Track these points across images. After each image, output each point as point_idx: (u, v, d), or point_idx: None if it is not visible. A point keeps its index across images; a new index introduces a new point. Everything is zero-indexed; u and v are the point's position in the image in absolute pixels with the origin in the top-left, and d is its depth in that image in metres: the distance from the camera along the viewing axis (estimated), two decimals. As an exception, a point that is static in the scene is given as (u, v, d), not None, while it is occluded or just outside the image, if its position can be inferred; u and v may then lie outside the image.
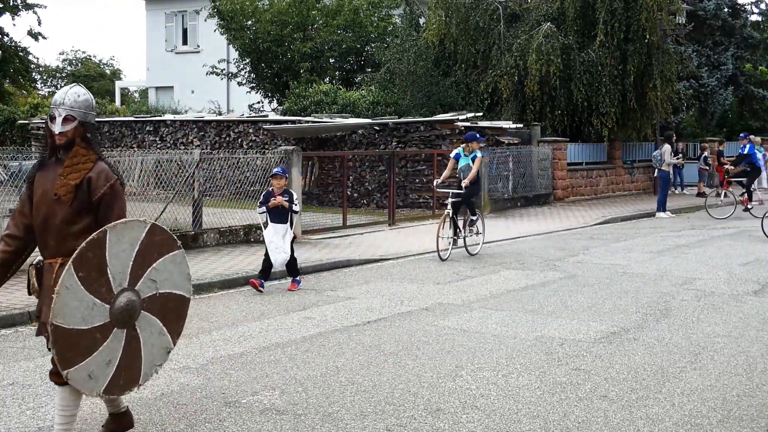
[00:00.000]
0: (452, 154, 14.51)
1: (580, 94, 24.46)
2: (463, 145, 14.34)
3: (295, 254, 11.44)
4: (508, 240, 16.65)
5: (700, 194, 26.30)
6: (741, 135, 22.28)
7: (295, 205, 11.22)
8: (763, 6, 39.52)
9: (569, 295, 10.80)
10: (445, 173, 14.61)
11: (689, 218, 21.19)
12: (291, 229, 11.20)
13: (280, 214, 11.04)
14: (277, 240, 11.02)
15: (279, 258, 11.04)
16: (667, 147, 21.92)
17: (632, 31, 24.81)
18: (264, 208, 11.12)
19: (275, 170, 11.38)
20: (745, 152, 21.55)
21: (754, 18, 39.05)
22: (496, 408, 6.30)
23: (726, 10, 35.16)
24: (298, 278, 11.40)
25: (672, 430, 5.87)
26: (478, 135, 14.64)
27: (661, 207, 21.69)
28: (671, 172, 21.79)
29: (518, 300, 10.49)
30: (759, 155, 29.61)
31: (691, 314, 9.69)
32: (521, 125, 24.03)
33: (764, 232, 16.31)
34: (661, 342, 8.35)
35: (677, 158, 29.08)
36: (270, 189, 11.30)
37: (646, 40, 24.79)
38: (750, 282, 11.89)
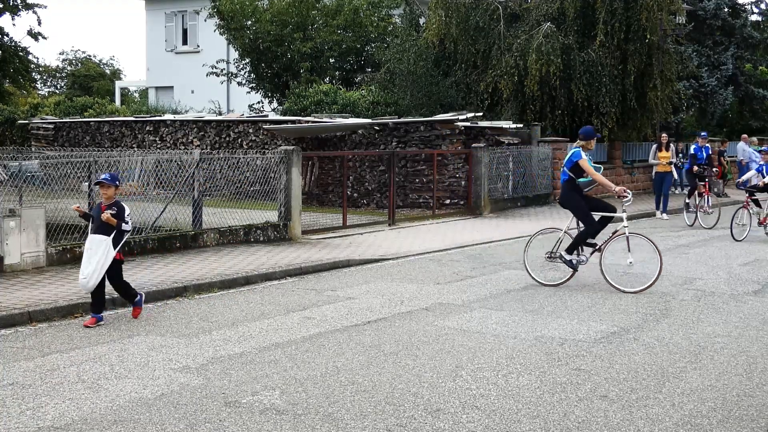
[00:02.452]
0: (583, 158, 11.44)
1: (580, 94, 24.45)
2: (582, 143, 11.53)
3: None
4: (508, 240, 16.65)
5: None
6: (703, 134, 20.83)
7: (126, 222, 9.18)
8: (763, 6, 39.53)
9: (569, 295, 10.80)
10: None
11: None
12: (115, 248, 9.12)
13: (102, 225, 9.10)
14: (91, 255, 9.06)
15: (84, 280, 9.05)
16: (653, 147, 21.63)
17: (632, 31, 24.81)
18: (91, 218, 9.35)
19: (101, 177, 9.29)
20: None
21: (754, 18, 39.06)
22: (496, 408, 6.30)
23: (726, 9, 35.17)
24: (139, 298, 9.50)
25: (672, 430, 5.87)
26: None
27: (657, 206, 21.50)
28: (673, 171, 21.48)
29: (518, 300, 10.49)
30: (755, 156, 29.62)
31: (691, 314, 9.69)
32: (521, 125, 24.02)
33: (732, 235, 16.26)
34: (661, 342, 8.35)
35: (677, 159, 29.04)
36: (99, 201, 9.45)
37: (647, 40, 24.78)
38: (750, 282, 11.89)
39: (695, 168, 19.38)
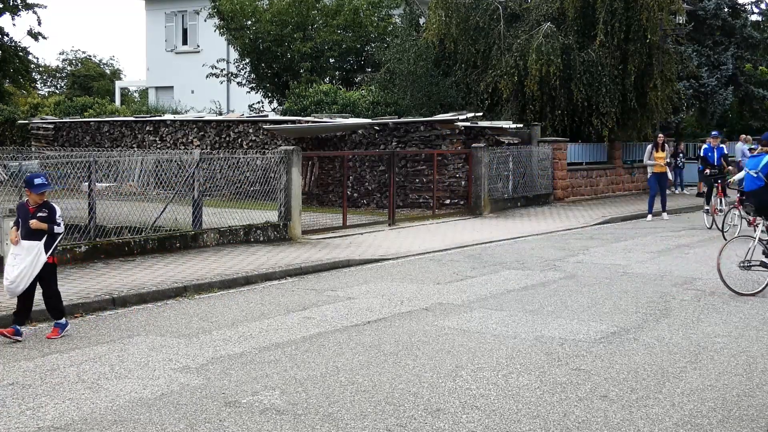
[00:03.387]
0: None
1: (580, 94, 24.45)
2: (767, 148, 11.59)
3: (60, 287, 8.84)
4: (508, 240, 16.65)
5: (700, 194, 26.20)
6: (714, 133, 19.93)
7: (58, 224, 8.56)
8: (763, 6, 39.48)
9: (569, 295, 10.80)
10: None
11: (689, 218, 21.15)
12: (47, 252, 8.49)
13: (32, 229, 8.47)
14: (19, 260, 8.41)
15: (12, 285, 8.39)
16: (648, 147, 20.87)
17: (632, 31, 24.80)
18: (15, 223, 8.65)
19: (36, 181, 8.56)
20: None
21: (754, 18, 39.00)
22: (496, 408, 6.30)
23: (726, 9, 35.13)
24: (63, 321, 8.61)
25: (672, 430, 5.87)
26: None
27: (650, 209, 20.83)
28: (668, 171, 20.97)
29: (518, 300, 10.49)
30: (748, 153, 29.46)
31: (691, 314, 9.69)
32: (521, 125, 24.02)
33: (723, 236, 15.74)
34: (661, 342, 8.35)
35: (679, 159, 28.85)
36: (24, 201, 8.91)
37: (647, 40, 24.77)
38: (750, 282, 11.87)
39: (707, 170, 18.67)
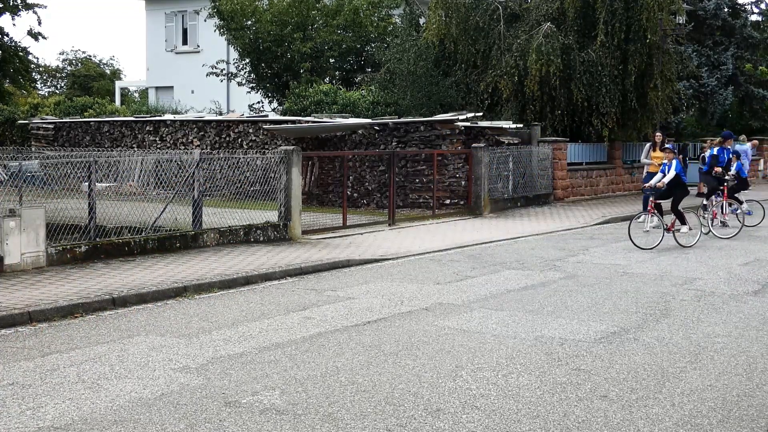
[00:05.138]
0: None
1: (580, 94, 24.44)
2: None
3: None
4: (508, 240, 16.65)
5: (700, 194, 26.13)
6: (726, 133, 19.49)
7: None
8: (763, 6, 39.51)
9: (569, 295, 10.80)
10: None
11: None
12: None
13: None
14: None
15: None
16: (646, 146, 20.36)
17: (633, 31, 24.81)
18: None
19: None
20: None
21: (754, 18, 39.03)
22: (496, 408, 6.30)
23: (726, 9, 35.15)
24: None
25: (672, 430, 5.87)
26: None
27: (644, 208, 20.56)
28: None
29: (518, 300, 10.49)
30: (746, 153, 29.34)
31: (691, 314, 9.69)
32: (521, 125, 24.02)
33: (630, 238, 15.24)
34: (661, 342, 8.35)
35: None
36: None
37: (647, 41, 24.78)
38: (750, 282, 11.89)
39: (717, 170, 18.05)
